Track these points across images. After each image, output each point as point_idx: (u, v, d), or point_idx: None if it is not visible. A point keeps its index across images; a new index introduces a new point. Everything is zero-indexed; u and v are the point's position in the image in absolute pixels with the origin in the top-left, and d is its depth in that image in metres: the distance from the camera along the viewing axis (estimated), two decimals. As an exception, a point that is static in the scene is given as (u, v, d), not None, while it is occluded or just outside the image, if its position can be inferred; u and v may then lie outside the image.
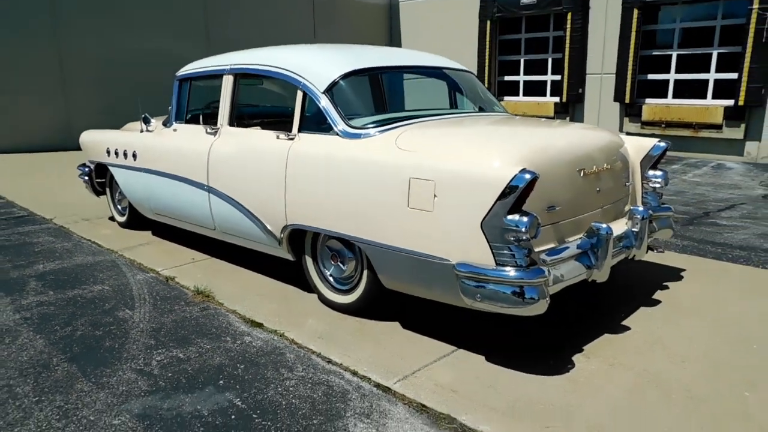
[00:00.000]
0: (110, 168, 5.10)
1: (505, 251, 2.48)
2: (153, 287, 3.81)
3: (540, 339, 3.01)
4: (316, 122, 3.34)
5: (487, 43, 13.90)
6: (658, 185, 3.59)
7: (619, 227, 3.17)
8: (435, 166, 2.68)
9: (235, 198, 3.72)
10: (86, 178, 5.53)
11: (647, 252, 3.56)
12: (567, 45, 12.39)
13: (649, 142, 3.64)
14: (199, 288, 3.72)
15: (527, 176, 2.41)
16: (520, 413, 2.35)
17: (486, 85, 14.04)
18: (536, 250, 2.68)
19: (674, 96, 11.33)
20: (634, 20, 11.40)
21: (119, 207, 5.39)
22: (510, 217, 2.43)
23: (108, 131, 5.31)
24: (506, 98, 14.08)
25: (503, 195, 2.43)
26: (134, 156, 4.70)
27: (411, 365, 2.74)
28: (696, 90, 11.03)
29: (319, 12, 15.43)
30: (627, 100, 11.69)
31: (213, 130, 3.99)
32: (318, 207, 3.21)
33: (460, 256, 2.59)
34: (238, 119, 3.98)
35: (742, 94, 10.12)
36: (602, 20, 12.04)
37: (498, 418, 2.32)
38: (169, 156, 4.32)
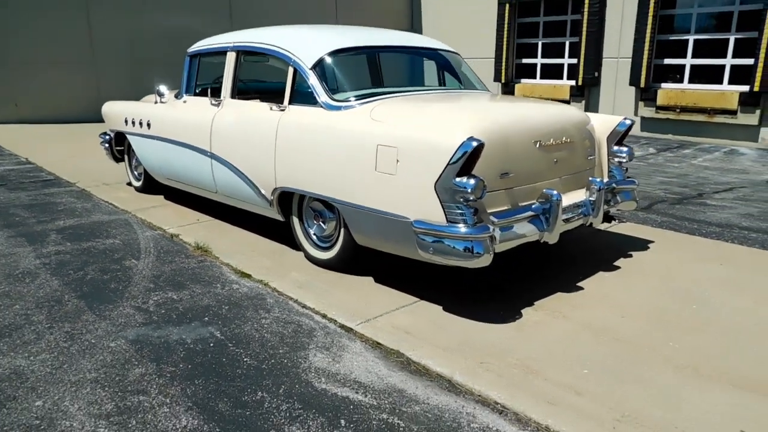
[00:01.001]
0: (127, 136, 5.51)
1: (455, 210, 2.78)
2: (158, 242, 4.21)
3: (497, 294, 3.31)
4: (304, 95, 3.66)
5: (506, 26, 13.96)
6: (623, 160, 3.83)
7: (577, 196, 3.44)
8: (398, 134, 2.99)
9: (233, 163, 4.09)
10: (106, 145, 5.97)
11: (611, 222, 3.83)
12: (584, 28, 12.41)
13: (615, 120, 3.87)
14: (199, 244, 4.11)
15: (474, 143, 2.71)
16: (462, 351, 2.67)
17: (503, 67, 14.16)
18: (489, 211, 2.98)
19: (690, 81, 11.31)
20: (652, 4, 11.37)
21: (135, 173, 5.82)
22: (458, 179, 2.73)
23: (126, 102, 5.72)
24: (523, 81, 14.16)
25: (453, 160, 2.73)
26: (148, 125, 5.10)
27: (375, 311, 3.08)
28: (712, 75, 11.00)
29: (341, 1, 15.65)
30: (642, 85, 11.70)
31: (217, 102, 4.35)
32: (302, 171, 3.55)
33: (417, 215, 2.90)
34: (241, 93, 4.32)
35: (758, 79, 10.06)
36: (620, 4, 12.02)
37: (441, 354, 2.64)
38: (178, 125, 4.70)
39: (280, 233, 4.29)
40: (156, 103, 5.14)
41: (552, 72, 13.71)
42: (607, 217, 3.90)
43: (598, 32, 12.26)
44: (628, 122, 3.84)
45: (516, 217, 3.03)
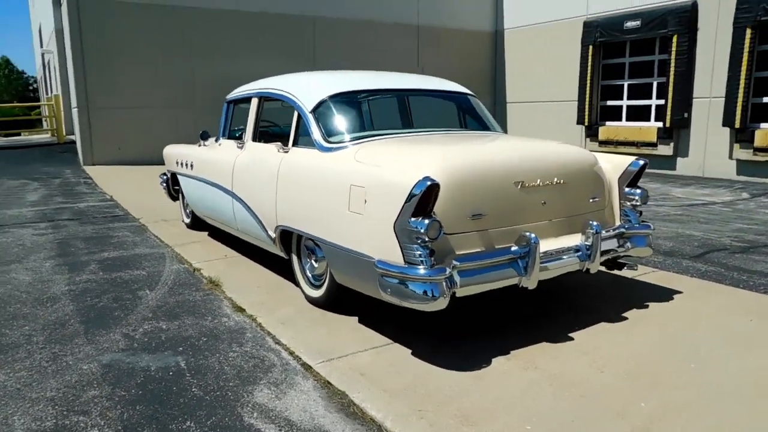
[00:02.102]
0: (178, 176, 5.96)
1: (413, 251, 2.72)
2: (179, 275, 4.47)
3: (479, 338, 3.15)
4: (304, 138, 3.80)
5: (589, 67, 13.58)
6: (636, 203, 3.55)
7: (572, 240, 3.23)
8: (367, 174, 3.01)
9: (246, 201, 4.28)
10: (164, 184, 6.48)
11: (622, 269, 3.55)
12: (672, 68, 11.78)
13: (626, 160, 3.62)
14: (213, 278, 4.31)
15: (427, 183, 2.66)
16: (407, 396, 2.56)
17: (587, 109, 13.71)
18: (460, 252, 2.89)
19: (791, 120, 10.29)
20: (747, 40, 10.59)
21: (186, 211, 6.25)
22: (413, 219, 2.68)
23: (181, 145, 6.21)
24: (608, 123, 13.60)
25: (408, 200, 2.69)
26: (191, 166, 5.49)
27: (342, 351, 3.04)
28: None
29: (423, 39, 16.07)
30: (737, 125, 10.82)
31: (240, 145, 4.61)
32: (295, 210, 3.65)
33: (380, 254, 2.87)
34: (262, 136, 4.56)
35: None
36: (711, 41, 11.31)
37: (384, 398, 2.55)
38: (210, 166, 5.02)
39: (291, 270, 4.39)
40: (200, 146, 5.53)
41: (638, 114, 13.05)
42: (617, 264, 3.61)
43: (687, 71, 11.57)
44: (641, 162, 3.59)
45: (485, 260, 2.90)
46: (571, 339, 3.14)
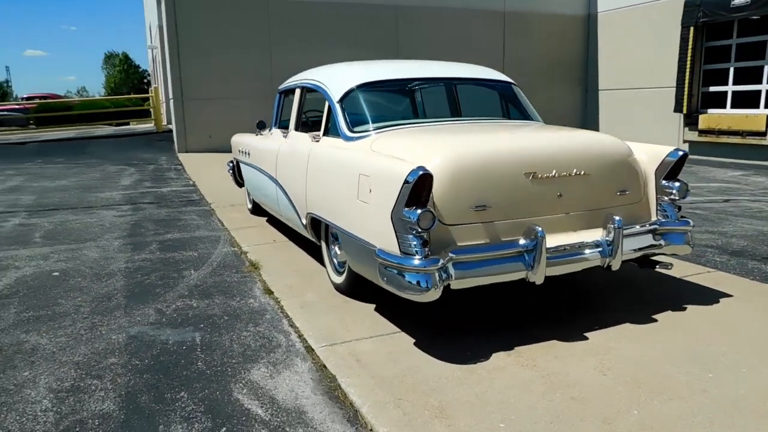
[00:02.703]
0: (240, 163, 6.28)
1: (407, 241, 2.71)
2: (226, 258, 4.73)
3: (488, 332, 3.08)
4: (333, 127, 3.88)
5: (690, 50, 12.55)
6: (674, 196, 3.29)
7: (594, 235, 3.07)
8: (373, 164, 3.03)
9: (286, 188, 4.45)
10: (231, 171, 6.85)
11: (654, 268, 3.32)
12: (785, 48, 10.61)
13: (665, 150, 3.36)
14: (255, 262, 4.52)
15: (420, 173, 2.63)
16: (392, 384, 2.57)
17: (685, 96, 12.73)
18: (462, 244, 2.84)
19: None
20: None
21: (249, 197, 6.57)
22: (406, 209, 2.67)
23: (243, 134, 6.53)
24: (710, 111, 12.54)
25: (402, 189, 2.68)
26: (248, 154, 5.77)
27: (348, 336, 3.10)
28: None
29: (510, 25, 15.60)
30: None
31: (285, 134, 4.78)
32: (320, 198, 3.74)
33: (381, 243, 2.89)
34: (304, 125, 4.70)
35: None
36: (834, 16, 10.05)
37: (369, 384, 2.58)
38: (261, 154, 5.26)
39: (326, 256, 4.51)
40: (257, 135, 5.79)
41: (745, 101, 11.90)
42: (650, 262, 3.37)
43: (803, 52, 10.37)
44: (680, 152, 3.31)
45: (486, 253, 2.82)
46: (585, 339, 2.99)
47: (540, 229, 2.81)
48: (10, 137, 16.68)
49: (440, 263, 2.66)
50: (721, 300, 3.51)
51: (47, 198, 7.82)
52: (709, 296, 3.56)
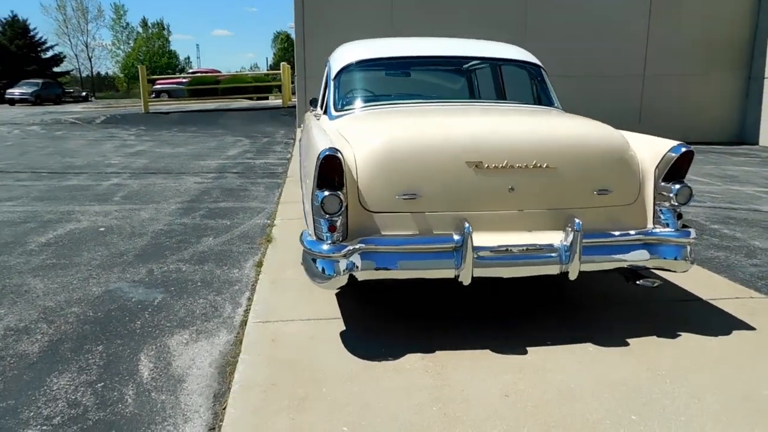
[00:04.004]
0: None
1: (318, 225, 2.59)
2: (251, 228, 4.93)
3: (423, 333, 2.85)
4: (327, 105, 3.81)
5: None
6: (673, 202, 2.75)
7: (551, 237, 2.68)
8: (316, 145, 2.92)
9: (302, 167, 4.49)
10: (300, 148, 7.08)
11: (639, 282, 2.83)
12: None
13: (666, 144, 2.80)
14: (272, 235, 4.65)
15: (326, 154, 2.50)
16: (281, 368, 2.50)
17: None
18: (387, 233, 2.65)
19: None
20: None
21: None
22: (317, 191, 2.55)
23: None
24: None
25: (315, 170, 2.57)
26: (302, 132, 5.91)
27: (287, 316, 3.07)
28: None
29: (656, 3, 13.93)
30: None
31: (317, 115, 4.81)
32: (302, 177, 3.72)
33: (308, 227, 2.81)
34: (321, 103, 4.67)
35: None
36: None
37: (261, 365, 2.53)
38: (303, 134, 5.35)
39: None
40: (310, 112, 5.89)
41: None
42: (636, 275, 2.85)
43: None
44: (683, 148, 2.75)
45: (405, 246, 2.59)
46: (523, 353, 2.64)
47: (467, 224, 2.52)
48: (161, 107, 18.86)
49: (343, 251, 2.51)
50: (735, 333, 2.87)
51: (157, 163, 8.74)
52: (721, 327, 2.94)
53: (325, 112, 3.88)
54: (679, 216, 2.79)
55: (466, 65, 3.98)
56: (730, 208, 6.22)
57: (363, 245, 2.55)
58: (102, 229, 4.87)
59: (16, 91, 30.14)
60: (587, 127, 2.98)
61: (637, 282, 2.81)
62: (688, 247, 2.77)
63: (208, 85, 21.71)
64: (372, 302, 3.25)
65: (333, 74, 3.75)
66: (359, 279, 2.58)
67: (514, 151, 2.67)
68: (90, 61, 46.99)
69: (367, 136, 2.79)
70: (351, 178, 2.62)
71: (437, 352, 2.65)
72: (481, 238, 2.59)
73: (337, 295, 3.32)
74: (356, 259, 2.54)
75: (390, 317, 3.07)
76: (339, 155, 2.52)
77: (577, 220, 2.60)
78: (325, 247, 2.54)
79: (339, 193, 2.52)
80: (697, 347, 2.72)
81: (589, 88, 14.10)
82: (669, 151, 2.78)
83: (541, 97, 3.77)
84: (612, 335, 2.80)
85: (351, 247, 2.53)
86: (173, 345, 2.77)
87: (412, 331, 2.88)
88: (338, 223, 2.56)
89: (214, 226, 4.98)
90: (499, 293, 3.33)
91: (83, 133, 12.71)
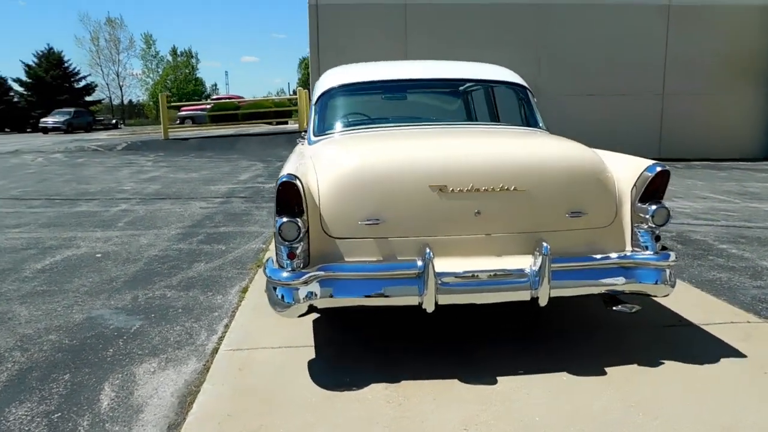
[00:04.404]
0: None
1: (279, 251, 2.56)
2: (245, 254, 4.92)
3: (391, 362, 2.78)
4: (308, 129, 3.81)
5: None
6: (650, 223, 2.64)
7: (520, 262, 2.59)
8: (282, 171, 2.91)
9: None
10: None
11: (617, 308, 2.71)
12: None
13: (642, 164, 2.71)
14: (262, 260, 4.64)
15: (282, 180, 2.48)
16: (242, 399, 2.45)
17: None
18: (351, 259, 2.60)
19: None
20: None
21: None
22: (276, 217, 2.53)
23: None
24: None
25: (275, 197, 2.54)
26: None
27: (260, 343, 3.03)
28: None
29: (675, 20, 13.75)
30: None
31: (301, 141, 4.80)
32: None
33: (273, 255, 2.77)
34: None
35: None
36: None
37: (223, 395, 2.49)
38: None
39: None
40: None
41: None
42: (615, 300, 2.73)
43: None
44: (658, 168, 2.65)
45: (365, 272, 2.53)
46: (493, 383, 2.53)
47: (428, 250, 2.45)
48: (181, 133, 19.25)
49: (302, 278, 2.47)
50: (723, 361, 2.72)
51: (168, 188, 8.87)
52: (710, 354, 2.78)
53: (305, 137, 3.88)
54: (657, 238, 2.67)
55: (450, 87, 3.94)
56: (745, 226, 5.99)
57: (322, 272, 2.50)
58: (99, 255, 4.92)
59: (49, 120, 31.20)
60: (560, 148, 2.90)
61: (614, 308, 2.69)
62: (668, 271, 2.65)
63: (229, 111, 22.13)
64: (350, 328, 3.20)
65: (314, 99, 3.75)
66: (319, 307, 2.53)
67: (479, 173, 2.60)
68: (121, 89, 48.47)
69: (330, 161, 2.77)
70: (313, 204, 2.59)
71: (403, 382, 2.57)
72: (446, 264, 2.53)
73: (315, 321, 3.28)
74: (315, 286, 2.49)
75: (363, 344, 3.01)
76: (297, 182, 2.49)
77: (545, 244, 2.51)
78: (285, 274, 2.50)
79: (298, 219, 2.49)
80: (680, 376, 2.58)
81: (608, 107, 13.93)
82: (645, 170, 2.68)
83: (526, 118, 3.70)
84: (590, 364, 2.68)
85: (310, 275, 2.49)
86: (140, 374, 2.75)
87: (381, 359, 2.81)
88: (298, 250, 2.52)
89: (209, 252, 5.00)
90: (473, 319, 3.23)
91: (103, 160, 13.03)
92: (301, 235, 2.49)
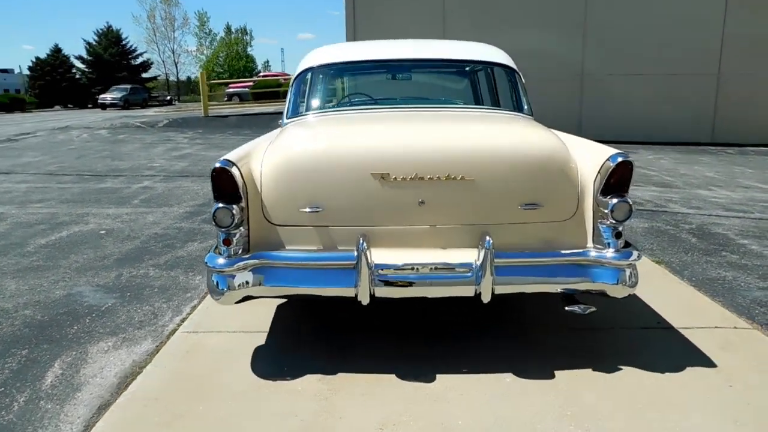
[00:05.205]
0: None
1: (219, 238, 2.53)
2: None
3: (336, 352, 2.72)
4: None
5: None
6: (611, 218, 2.45)
7: (466, 256, 2.46)
8: None
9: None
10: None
11: (573, 308, 2.55)
12: None
13: (605, 153, 2.51)
14: (255, 241, 4.65)
15: (216, 166, 2.43)
16: (174, 383, 2.46)
17: None
18: (293, 247, 2.54)
19: None
20: None
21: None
22: (214, 202, 2.49)
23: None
24: None
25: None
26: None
27: (218, 326, 3.04)
28: None
29: (736, -4, 12.77)
30: None
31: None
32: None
33: (219, 242, 2.74)
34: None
35: None
36: None
37: (160, 378, 2.52)
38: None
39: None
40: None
41: None
42: (570, 299, 2.56)
43: None
44: (619, 158, 2.44)
45: (301, 262, 2.46)
46: (431, 380, 2.44)
47: (362, 240, 2.37)
48: (222, 110, 19.56)
49: (236, 266, 2.43)
50: (688, 370, 2.51)
51: (195, 166, 9.05)
52: (677, 362, 2.58)
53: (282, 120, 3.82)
54: (619, 234, 2.47)
55: (435, 69, 3.78)
56: (780, 220, 5.56)
57: (255, 260, 2.46)
58: (103, 232, 5.07)
59: (107, 97, 32.49)
60: (519, 136, 2.73)
61: (567, 308, 2.52)
62: (627, 271, 2.45)
63: (271, 88, 22.34)
64: (313, 316, 3.16)
65: (291, 81, 3.68)
66: (254, 295, 2.49)
67: (424, 161, 2.47)
68: (176, 66, 49.81)
69: (276, 146, 2.69)
70: (255, 189, 2.54)
71: (339, 374, 2.51)
72: (386, 255, 2.43)
73: (279, 306, 3.25)
74: (248, 274, 2.45)
75: (318, 334, 2.96)
76: (234, 169, 2.44)
77: (487, 238, 2.37)
78: (220, 261, 2.47)
79: (234, 206, 2.44)
80: (633, 385, 2.40)
81: (656, 88, 13.20)
82: (607, 160, 2.48)
83: (511, 102, 3.51)
84: (541, 367, 2.54)
85: (243, 263, 2.45)
86: (93, 352, 2.80)
87: (329, 349, 2.76)
88: (235, 237, 2.49)
89: (207, 231, 5.05)
90: (435, 314, 3.12)
91: (143, 137, 13.44)
92: (236, 221, 2.45)
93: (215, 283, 2.49)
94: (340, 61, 3.70)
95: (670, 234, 4.97)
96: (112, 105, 31.58)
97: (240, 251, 2.50)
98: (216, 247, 2.55)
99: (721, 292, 3.53)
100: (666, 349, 2.74)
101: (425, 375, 2.48)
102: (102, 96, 32.75)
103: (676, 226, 5.28)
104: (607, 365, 2.55)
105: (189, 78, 54.83)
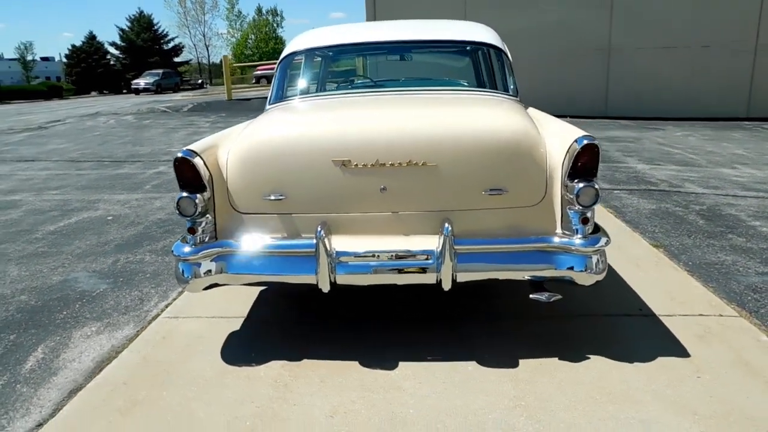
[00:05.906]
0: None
1: (186, 226, 2.57)
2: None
3: (303, 341, 2.75)
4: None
5: None
6: (576, 203, 2.38)
7: (428, 243, 2.44)
8: None
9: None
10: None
11: (541, 296, 2.50)
12: None
13: (573, 134, 2.43)
14: (253, 226, 4.71)
15: (179, 156, 2.46)
16: (144, 368, 2.53)
17: None
18: (258, 236, 2.56)
19: None
20: None
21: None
22: (179, 192, 2.52)
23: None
24: None
25: (180, 172, 2.54)
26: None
27: (197, 312, 3.10)
28: None
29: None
30: None
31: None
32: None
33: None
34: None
35: None
36: None
37: (131, 364, 2.59)
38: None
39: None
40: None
41: None
42: (539, 286, 2.51)
43: None
44: (585, 140, 2.36)
45: (264, 250, 2.48)
46: (393, 367, 2.44)
47: (320, 228, 2.36)
48: (247, 94, 19.70)
49: (199, 254, 2.46)
50: (659, 360, 2.45)
51: (211, 150, 9.15)
52: (648, 352, 2.51)
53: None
54: (585, 220, 2.40)
55: (422, 50, 3.71)
56: (800, 200, 5.31)
57: (218, 248, 2.49)
58: (110, 218, 5.21)
59: (141, 82, 33.15)
60: (485, 119, 2.66)
61: (531, 296, 2.48)
62: (594, 257, 2.39)
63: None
64: (295, 304, 3.19)
65: (277, 64, 3.67)
66: (219, 283, 2.53)
67: (385, 148, 2.44)
68: (207, 49, 50.35)
69: (243, 134, 2.70)
70: (220, 177, 2.56)
71: (304, 361, 2.54)
72: (347, 243, 2.43)
73: (261, 292, 3.30)
74: (211, 263, 2.49)
75: (292, 321, 3.00)
76: (196, 159, 2.47)
77: (447, 224, 2.34)
78: (185, 249, 2.51)
79: (197, 195, 2.47)
80: (597, 375, 2.35)
81: (687, 61, 12.70)
82: (573, 142, 2.40)
83: (494, 82, 3.42)
84: (507, 356, 2.51)
85: (207, 251, 2.48)
86: (76, 337, 2.90)
87: (300, 336, 2.79)
88: (201, 225, 2.52)
89: (209, 216, 5.13)
90: (401, 301, 3.10)
91: (166, 122, 13.68)
92: (200, 210, 2.48)
93: (181, 271, 2.53)
94: (323, 45, 3.68)
95: (677, 215, 4.81)
96: (145, 90, 32.22)
97: (207, 239, 2.53)
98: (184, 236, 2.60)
99: (715, 277, 3.41)
100: (641, 338, 2.67)
101: (387, 362, 2.48)
102: (135, 81, 33.46)
103: (686, 207, 5.10)
104: (576, 354, 2.50)
105: (221, 61, 55.37)
